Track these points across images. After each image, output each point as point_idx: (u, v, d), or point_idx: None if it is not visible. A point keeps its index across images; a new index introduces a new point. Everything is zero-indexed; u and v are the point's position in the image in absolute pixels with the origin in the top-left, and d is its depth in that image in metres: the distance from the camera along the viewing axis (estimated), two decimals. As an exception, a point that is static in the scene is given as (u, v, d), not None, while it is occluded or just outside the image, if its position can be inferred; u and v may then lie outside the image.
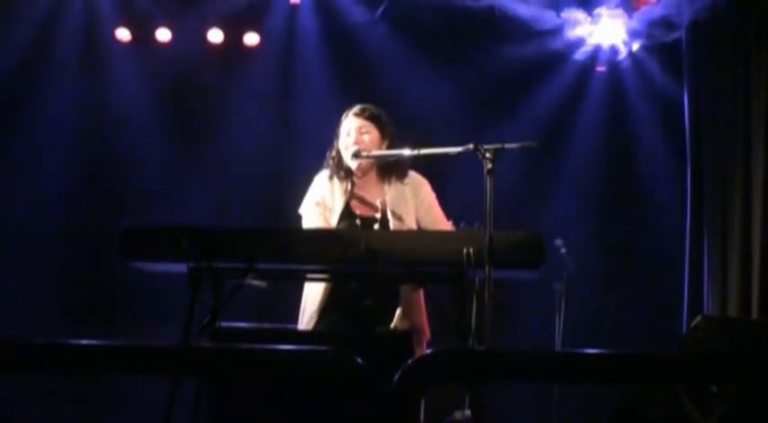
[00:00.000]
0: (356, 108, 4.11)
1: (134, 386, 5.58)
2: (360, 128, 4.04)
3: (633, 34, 6.65)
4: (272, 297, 4.43)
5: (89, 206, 6.51)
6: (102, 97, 6.66)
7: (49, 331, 5.74)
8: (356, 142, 4.00)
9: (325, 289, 3.88)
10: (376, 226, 3.86)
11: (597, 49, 6.80)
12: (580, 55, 6.76)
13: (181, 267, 3.38)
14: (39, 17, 6.51)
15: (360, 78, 6.70)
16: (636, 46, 6.73)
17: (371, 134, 4.04)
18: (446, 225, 3.96)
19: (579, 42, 6.72)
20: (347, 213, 3.96)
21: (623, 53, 6.79)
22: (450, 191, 4.28)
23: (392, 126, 4.11)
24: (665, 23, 6.42)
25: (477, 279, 3.57)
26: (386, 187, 4.03)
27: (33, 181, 6.49)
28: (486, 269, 3.20)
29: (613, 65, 6.92)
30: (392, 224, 3.91)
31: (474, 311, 3.63)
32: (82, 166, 6.61)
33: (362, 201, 4.02)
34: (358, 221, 3.93)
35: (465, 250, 3.24)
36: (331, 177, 4.07)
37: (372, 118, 4.07)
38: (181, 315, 3.38)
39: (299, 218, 4.07)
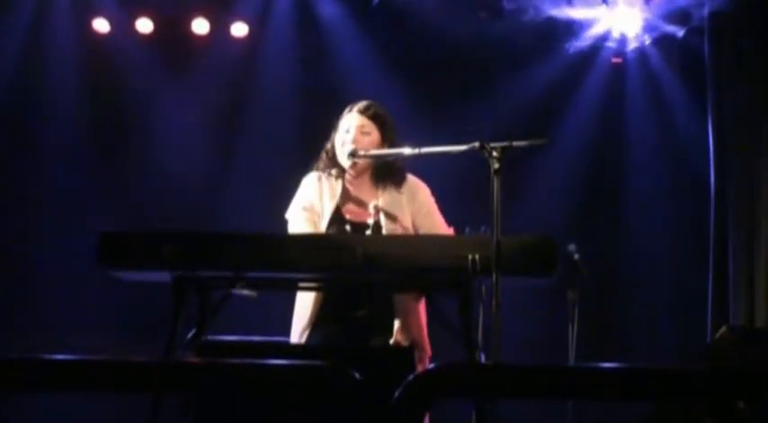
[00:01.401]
0: (361, 104, 4.08)
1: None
2: (361, 126, 4.01)
3: (648, 23, 6.64)
4: (262, 308, 4.42)
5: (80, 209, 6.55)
6: (79, 95, 6.70)
7: (25, 346, 5.74)
8: (354, 141, 3.96)
9: (319, 299, 3.87)
10: (368, 232, 3.83)
11: (606, 37, 6.77)
12: (587, 42, 6.73)
13: (164, 276, 3.37)
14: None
15: (350, 71, 6.73)
16: (647, 39, 6.71)
17: (372, 135, 4.01)
18: (447, 231, 3.93)
19: (587, 28, 6.69)
20: (337, 218, 3.95)
21: (634, 44, 6.77)
22: (453, 193, 4.28)
23: (395, 131, 4.07)
24: (684, 14, 6.42)
25: (483, 287, 3.56)
26: (379, 192, 4.00)
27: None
28: (494, 276, 3.19)
29: (623, 55, 6.90)
30: (386, 226, 3.88)
31: (480, 322, 3.63)
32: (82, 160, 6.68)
33: (355, 203, 4.00)
34: (348, 226, 3.90)
35: (470, 256, 3.24)
36: (320, 178, 4.05)
37: (376, 117, 4.04)
38: (163, 328, 3.37)
39: (284, 223, 4.05)
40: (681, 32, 6.48)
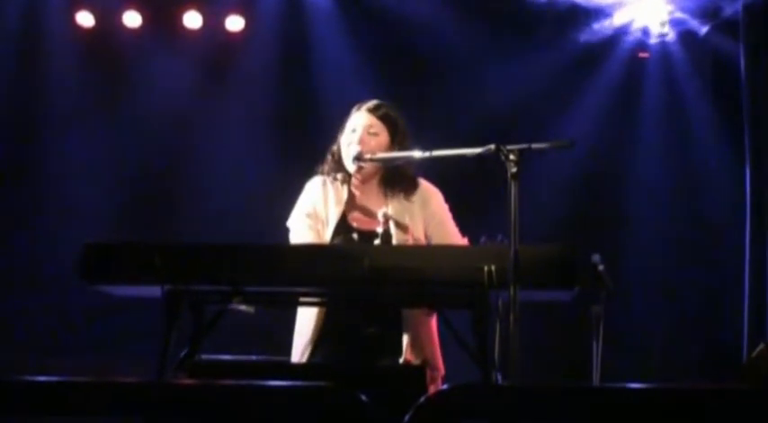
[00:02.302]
0: (371, 103, 4.06)
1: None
2: (369, 126, 3.99)
3: (674, 16, 6.63)
4: (261, 324, 4.43)
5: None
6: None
7: (4, 366, 5.76)
8: (360, 142, 3.94)
9: (323, 314, 3.86)
10: (376, 241, 3.81)
11: (627, 29, 6.76)
12: (605, 33, 6.73)
13: (154, 290, 3.37)
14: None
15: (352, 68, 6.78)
16: (672, 32, 6.70)
17: (380, 137, 3.99)
18: (461, 242, 3.92)
19: (608, 18, 6.69)
20: (343, 226, 3.94)
21: (657, 37, 6.75)
22: (465, 199, 4.28)
23: (407, 135, 4.03)
24: (714, 7, 6.42)
25: (500, 301, 3.56)
26: (388, 199, 3.98)
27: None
28: (512, 290, 3.19)
29: (649, 49, 6.90)
30: (396, 236, 3.84)
31: (497, 339, 3.62)
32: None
33: (362, 210, 3.99)
34: (355, 235, 3.89)
35: (486, 268, 3.24)
36: (325, 183, 4.05)
37: (386, 118, 4.02)
38: (154, 346, 3.37)
39: (286, 231, 4.04)
40: (710, 27, 6.47)
